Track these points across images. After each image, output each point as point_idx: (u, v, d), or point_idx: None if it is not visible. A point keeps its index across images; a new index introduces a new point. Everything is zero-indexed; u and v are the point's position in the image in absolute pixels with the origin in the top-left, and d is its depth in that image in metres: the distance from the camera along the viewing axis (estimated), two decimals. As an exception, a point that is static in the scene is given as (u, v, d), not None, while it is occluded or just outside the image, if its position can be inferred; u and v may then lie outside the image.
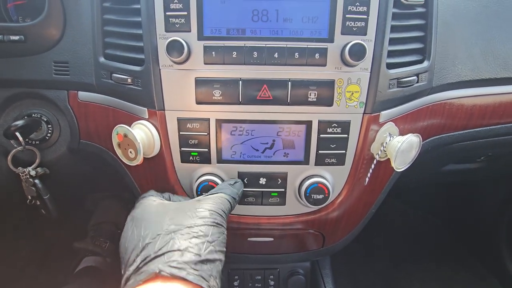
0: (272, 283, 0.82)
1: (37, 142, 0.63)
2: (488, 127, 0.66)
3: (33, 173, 0.62)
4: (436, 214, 1.43)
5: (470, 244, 1.30)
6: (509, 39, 0.62)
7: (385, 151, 0.55)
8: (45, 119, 0.63)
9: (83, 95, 0.60)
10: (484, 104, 0.64)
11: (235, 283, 0.83)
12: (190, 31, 0.50)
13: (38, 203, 0.66)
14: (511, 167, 0.94)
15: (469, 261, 1.27)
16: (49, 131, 0.63)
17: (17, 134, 0.58)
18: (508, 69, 0.63)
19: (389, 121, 0.56)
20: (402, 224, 1.40)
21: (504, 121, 0.66)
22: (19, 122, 0.58)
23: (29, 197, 0.65)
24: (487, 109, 0.64)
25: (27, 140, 0.62)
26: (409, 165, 0.55)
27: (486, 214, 1.26)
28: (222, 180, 0.57)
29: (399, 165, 0.54)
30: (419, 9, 0.55)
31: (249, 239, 0.65)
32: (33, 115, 0.63)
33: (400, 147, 0.52)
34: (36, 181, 0.63)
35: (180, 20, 0.50)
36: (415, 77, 0.55)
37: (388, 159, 0.55)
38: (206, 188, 0.55)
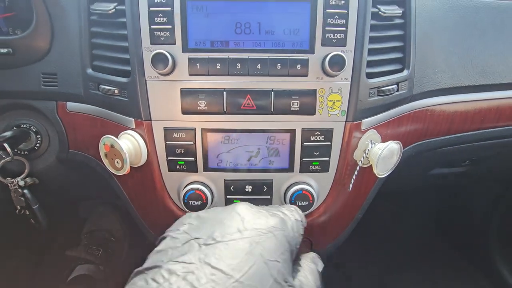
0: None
1: (26, 153, 0.64)
2: (469, 132, 0.68)
3: (21, 183, 0.63)
4: (428, 217, 1.45)
5: (463, 247, 1.31)
6: (486, 48, 0.64)
7: (367, 157, 0.57)
8: (34, 130, 0.64)
9: (71, 105, 0.61)
10: (465, 110, 0.66)
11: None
12: (175, 44, 0.51)
13: (27, 213, 0.66)
14: (495, 170, 0.96)
15: (462, 264, 1.28)
16: (38, 142, 0.64)
17: (5, 145, 0.59)
18: (486, 77, 0.65)
19: (371, 129, 0.58)
20: (395, 228, 1.42)
21: (484, 126, 0.68)
22: (7, 133, 0.59)
23: (18, 207, 0.65)
24: (468, 115, 0.66)
25: (15, 150, 0.63)
26: (391, 171, 0.57)
27: (476, 217, 1.28)
28: (209, 189, 0.58)
29: (381, 171, 0.55)
30: (398, 20, 0.57)
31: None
32: (21, 125, 0.63)
33: (381, 154, 0.53)
34: (25, 191, 0.64)
35: (164, 33, 0.51)
36: (395, 86, 0.57)
37: (372, 165, 0.57)
38: (193, 197, 0.56)
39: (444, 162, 0.84)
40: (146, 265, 0.34)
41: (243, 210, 0.38)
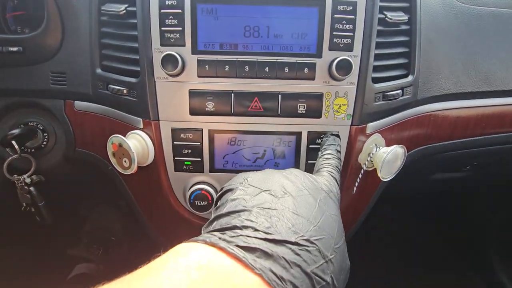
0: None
1: (33, 150, 0.64)
2: (471, 138, 0.69)
3: (28, 180, 0.63)
4: (430, 222, 1.45)
5: (462, 253, 1.32)
6: (490, 55, 0.65)
7: (372, 161, 0.57)
8: (41, 128, 0.64)
9: (79, 104, 0.62)
10: (467, 116, 0.67)
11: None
12: (184, 46, 0.52)
13: (33, 210, 0.66)
14: (496, 176, 0.97)
15: (462, 269, 1.28)
16: (45, 139, 0.64)
17: (13, 142, 0.59)
18: (489, 83, 0.66)
19: (375, 132, 0.59)
20: (396, 232, 1.42)
21: (486, 132, 0.69)
22: (16, 131, 0.60)
23: (24, 204, 0.65)
24: (470, 121, 0.67)
25: (22, 148, 0.63)
26: (395, 175, 0.57)
27: (477, 223, 1.28)
28: (215, 189, 0.58)
29: (385, 175, 0.56)
30: (404, 27, 0.58)
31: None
32: (29, 123, 0.64)
33: (385, 158, 0.54)
34: (31, 188, 0.64)
35: (175, 35, 0.52)
36: (400, 91, 0.58)
37: (375, 169, 0.57)
38: (199, 197, 0.57)
39: (446, 167, 0.85)
40: (227, 210, 0.34)
41: (298, 173, 0.40)
